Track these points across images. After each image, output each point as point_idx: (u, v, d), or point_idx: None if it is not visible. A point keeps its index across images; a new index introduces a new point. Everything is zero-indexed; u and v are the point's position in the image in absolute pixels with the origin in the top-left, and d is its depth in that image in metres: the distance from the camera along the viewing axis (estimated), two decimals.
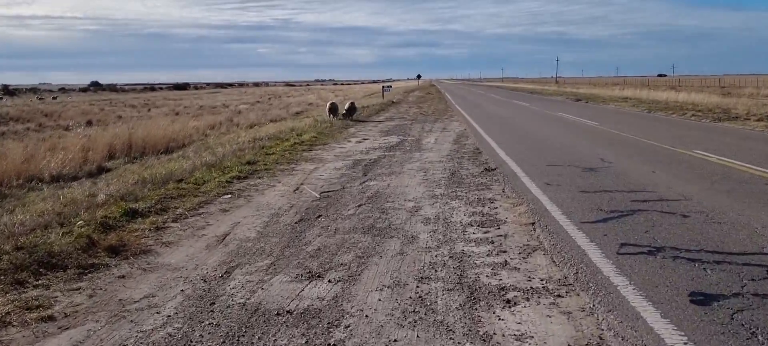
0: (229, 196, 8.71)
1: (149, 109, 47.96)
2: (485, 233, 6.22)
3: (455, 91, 73.90)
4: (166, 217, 7.26)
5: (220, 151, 13.77)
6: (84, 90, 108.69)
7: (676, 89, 53.01)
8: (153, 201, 7.98)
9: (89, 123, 32.01)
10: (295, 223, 6.99)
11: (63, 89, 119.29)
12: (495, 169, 10.24)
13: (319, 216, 7.31)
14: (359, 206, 7.82)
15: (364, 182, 9.56)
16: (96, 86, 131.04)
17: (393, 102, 38.40)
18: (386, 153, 13.15)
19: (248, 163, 11.70)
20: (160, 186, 9.27)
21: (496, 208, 7.39)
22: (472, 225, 6.55)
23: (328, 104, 23.10)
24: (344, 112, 23.27)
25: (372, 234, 6.32)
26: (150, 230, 6.64)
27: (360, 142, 15.67)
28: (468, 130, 17.96)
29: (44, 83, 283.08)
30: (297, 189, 9.19)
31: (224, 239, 6.35)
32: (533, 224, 6.48)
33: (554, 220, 6.53)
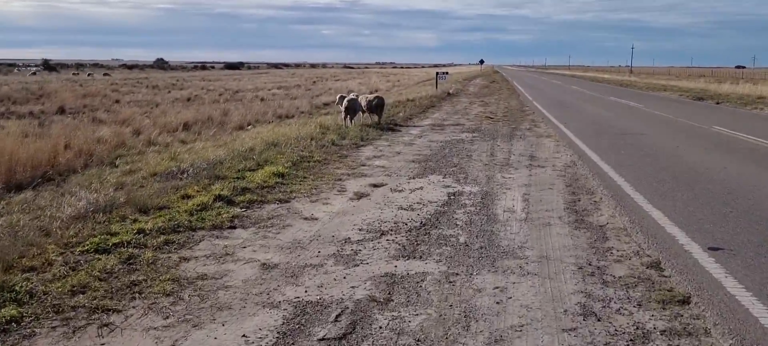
0: None
1: (170, 92, 41.42)
2: None
3: (524, 79, 64.20)
4: None
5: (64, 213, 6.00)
6: (129, 67, 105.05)
7: None
8: None
9: (62, 111, 25.52)
10: None
11: (124, 65, 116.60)
12: None
13: None
14: None
15: None
16: (161, 63, 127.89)
17: (449, 94, 29.79)
18: (398, 267, 4.85)
19: None
20: None
21: None
22: None
23: (344, 102, 14.90)
24: (366, 108, 15.02)
25: None
26: None
27: (359, 198, 7.37)
28: (583, 167, 9.37)
29: (116, 59, 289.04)
30: None
31: None
32: None
33: None
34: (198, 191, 7.43)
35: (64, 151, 12.21)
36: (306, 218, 6.36)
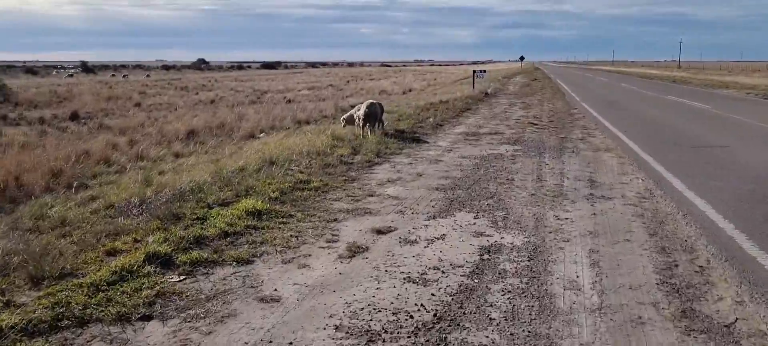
0: None
1: (197, 93, 40.18)
2: None
3: (567, 76, 60.81)
4: None
5: None
6: (167, 68, 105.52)
7: None
8: None
9: (75, 116, 23.92)
10: None
11: (165, 66, 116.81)
12: None
13: None
14: None
15: None
16: (200, 63, 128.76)
17: (486, 94, 27.32)
18: None
19: None
20: None
21: None
22: None
23: (363, 107, 12.77)
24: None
25: None
26: None
27: (353, 255, 5.17)
28: (665, 200, 6.97)
29: (160, 60, 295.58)
30: None
31: None
32: None
33: None
34: (134, 241, 5.42)
35: (32, 169, 10.48)
36: (263, 299, 4.23)
